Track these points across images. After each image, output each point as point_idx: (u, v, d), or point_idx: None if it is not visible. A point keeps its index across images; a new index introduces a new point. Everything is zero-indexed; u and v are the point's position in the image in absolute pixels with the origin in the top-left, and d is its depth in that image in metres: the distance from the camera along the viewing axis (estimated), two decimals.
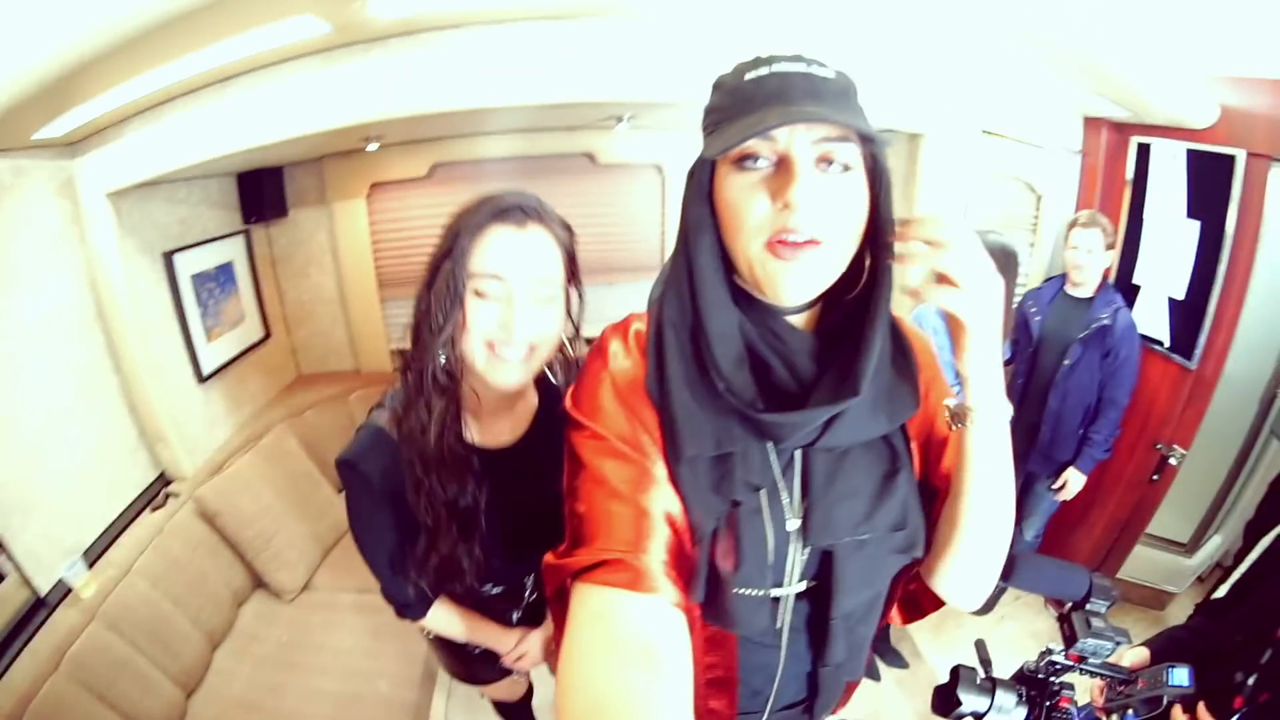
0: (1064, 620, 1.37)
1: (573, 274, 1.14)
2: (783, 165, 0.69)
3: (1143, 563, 2.88)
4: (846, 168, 0.70)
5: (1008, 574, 1.32)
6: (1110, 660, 1.38)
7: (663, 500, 0.76)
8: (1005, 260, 2.37)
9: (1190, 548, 2.88)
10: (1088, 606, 1.34)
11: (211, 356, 2.91)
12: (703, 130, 0.77)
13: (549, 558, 0.78)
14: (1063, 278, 2.68)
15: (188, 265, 2.75)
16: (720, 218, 0.75)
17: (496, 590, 1.39)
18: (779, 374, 0.78)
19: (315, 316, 3.66)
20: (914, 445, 0.90)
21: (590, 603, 0.69)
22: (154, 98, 2.15)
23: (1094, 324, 2.52)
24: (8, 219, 2.02)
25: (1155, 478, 2.63)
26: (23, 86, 1.70)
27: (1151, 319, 2.62)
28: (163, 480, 2.67)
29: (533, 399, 1.31)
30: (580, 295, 1.18)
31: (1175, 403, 2.56)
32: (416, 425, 1.11)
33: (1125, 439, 2.69)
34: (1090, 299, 2.58)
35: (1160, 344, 2.61)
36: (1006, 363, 2.85)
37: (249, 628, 2.66)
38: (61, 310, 2.24)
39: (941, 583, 0.93)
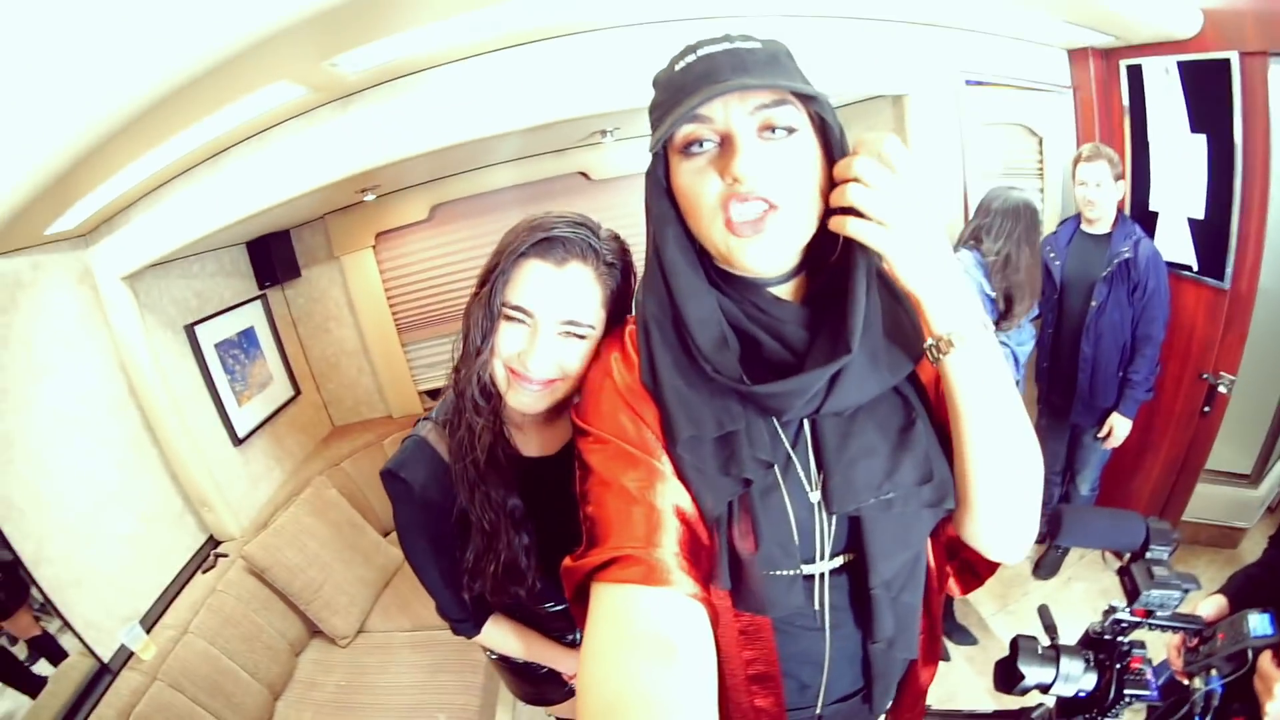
0: (1124, 573, 1.29)
1: (616, 309, 1.08)
2: (726, 142, 0.71)
3: (1207, 500, 2.73)
4: (790, 130, 0.71)
5: (1055, 531, 1.27)
6: (1182, 611, 1.29)
7: (671, 495, 0.77)
8: (1029, 217, 2.31)
9: (1254, 478, 2.72)
10: (1147, 555, 1.26)
11: (245, 419, 3.02)
12: (651, 128, 0.78)
13: (567, 561, 0.78)
14: (1077, 218, 2.59)
15: (210, 335, 2.87)
16: (681, 207, 0.77)
17: (556, 608, 1.39)
18: (770, 347, 0.78)
19: (341, 369, 3.77)
20: (930, 394, 0.88)
21: (606, 600, 0.71)
22: (153, 180, 2.26)
23: (1115, 259, 2.43)
24: (31, 312, 2.14)
25: (1206, 410, 2.49)
26: (31, 185, 1.81)
27: (1175, 244, 2.50)
28: (211, 543, 2.77)
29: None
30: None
31: (1214, 328, 2.43)
32: (465, 435, 1.13)
33: (1168, 373, 2.57)
34: (1108, 234, 2.49)
35: (1188, 269, 2.49)
36: (1036, 317, 2.77)
37: (307, 675, 2.73)
38: (94, 392, 2.36)
39: (976, 537, 0.89)
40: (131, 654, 2.21)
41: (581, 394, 0.90)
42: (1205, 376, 2.48)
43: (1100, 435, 2.64)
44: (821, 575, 0.87)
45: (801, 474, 0.83)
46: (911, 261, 0.70)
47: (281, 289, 3.52)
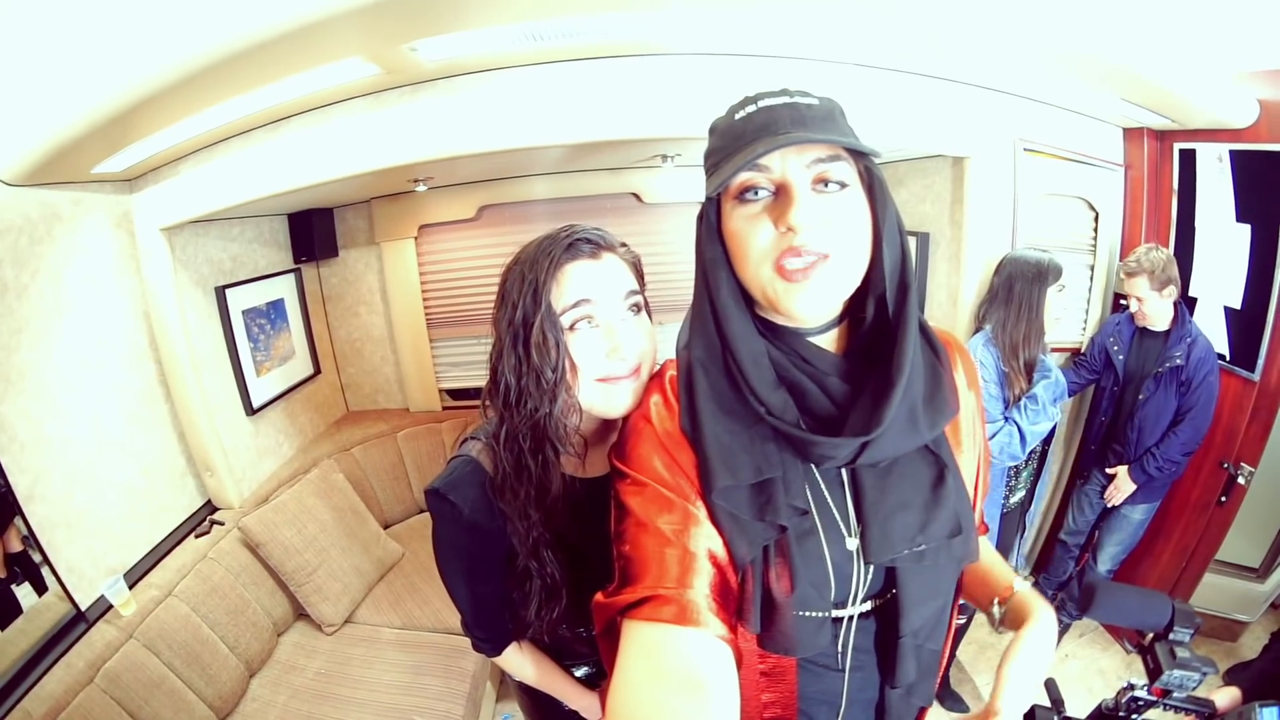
0: (1146, 651, 1.30)
1: (643, 295, 1.13)
2: (781, 192, 0.73)
3: (1213, 591, 2.69)
4: (843, 185, 0.74)
5: (1086, 605, 1.26)
6: (1196, 694, 1.30)
7: (704, 539, 0.78)
8: (1037, 272, 2.31)
9: (1262, 572, 2.68)
10: (1170, 636, 1.27)
11: (261, 390, 3.00)
12: (705, 173, 0.83)
13: (599, 597, 0.80)
14: None
15: (239, 300, 2.86)
16: (730, 251, 0.79)
17: (587, 633, 1.34)
18: (813, 394, 0.80)
19: (364, 355, 3.75)
20: (956, 451, 0.88)
21: (638, 637, 0.72)
22: (209, 137, 2.27)
23: (1168, 362, 2.47)
24: (65, 248, 2.14)
25: (1223, 499, 2.46)
26: (85, 121, 1.82)
27: (1210, 332, 2.49)
28: (209, 508, 2.73)
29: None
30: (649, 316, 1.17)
31: (1240, 418, 2.41)
32: (525, 470, 1.11)
33: (1190, 459, 2.53)
34: (1166, 334, 2.52)
35: (1221, 357, 2.47)
36: (1077, 387, 2.79)
37: (288, 658, 2.66)
38: (114, 338, 2.35)
39: None
40: (110, 607, 2.16)
41: (620, 435, 0.91)
42: (1225, 465, 2.46)
43: (1108, 472, 2.71)
44: (850, 618, 0.88)
45: (840, 521, 0.83)
46: None
47: (317, 266, 3.52)
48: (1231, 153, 2.31)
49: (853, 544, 0.83)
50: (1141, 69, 2.16)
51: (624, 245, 1.13)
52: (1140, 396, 2.55)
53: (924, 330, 0.82)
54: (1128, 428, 2.62)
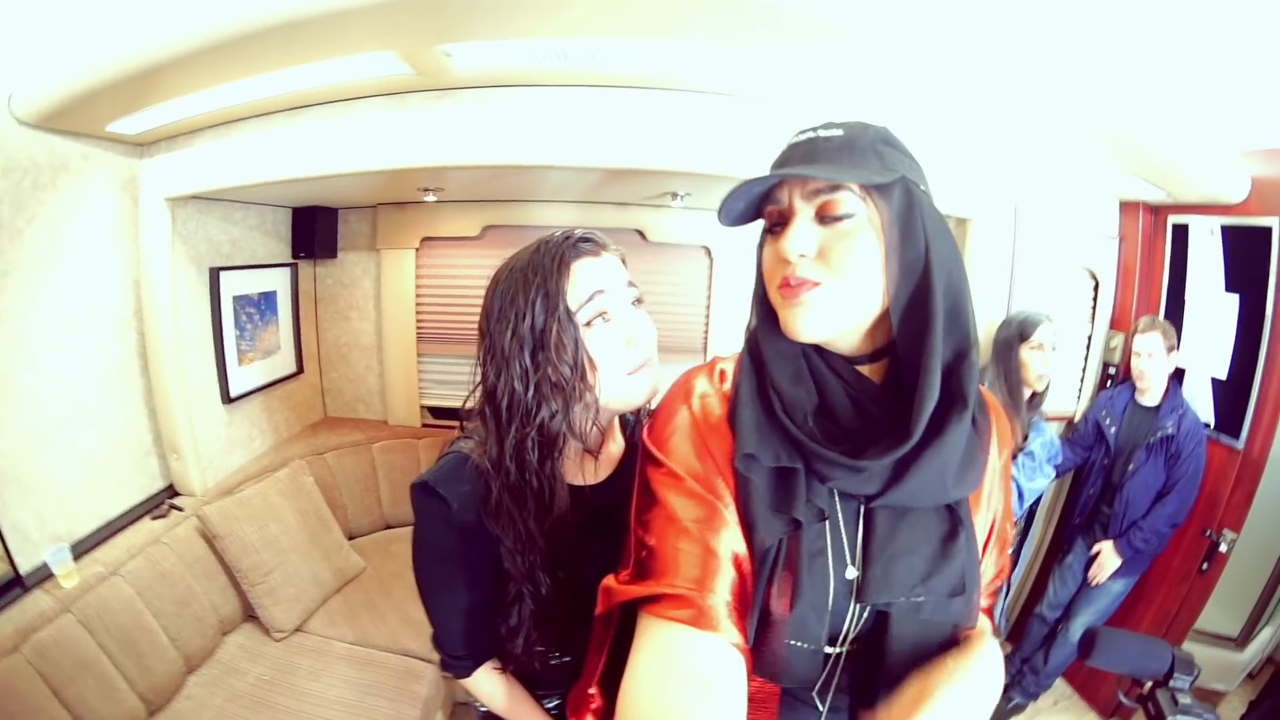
0: (1147, 699, 1.25)
1: None
2: (788, 221, 0.76)
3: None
4: (845, 216, 0.73)
5: (1088, 651, 1.23)
6: None
7: (731, 542, 0.77)
8: (1011, 330, 2.38)
9: (1241, 641, 2.64)
10: (1171, 683, 1.23)
11: (241, 380, 2.93)
12: None
13: (608, 580, 0.81)
14: (1132, 385, 2.66)
15: (232, 285, 2.82)
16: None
17: (560, 660, 1.24)
18: (843, 409, 0.80)
19: (349, 361, 3.69)
20: (974, 511, 0.87)
21: (653, 634, 0.72)
22: (228, 113, 2.28)
23: (1159, 432, 2.50)
24: (67, 200, 2.11)
25: (1205, 567, 2.45)
26: (110, 71, 1.81)
27: (1197, 400, 2.54)
28: (169, 492, 2.62)
29: (620, 440, 1.25)
30: None
31: (1224, 486, 2.44)
32: (528, 487, 1.06)
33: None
34: (1157, 406, 2.58)
35: (1206, 426, 2.50)
36: (1070, 463, 2.81)
37: (230, 659, 2.50)
38: (101, 301, 2.30)
39: None
40: (51, 576, 2.05)
41: (656, 416, 0.87)
42: (1208, 533, 2.46)
43: (1091, 552, 2.69)
44: (838, 655, 0.86)
45: (847, 551, 0.82)
46: None
47: (314, 264, 3.49)
48: (1223, 227, 2.39)
49: (852, 573, 0.81)
50: (1142, 142, 2.24)
51: (614, 245, 1.13)
52: (1130, 467, 2.56)
53: (969, 398, 0.78)
54: (1115, 500, 2.62)
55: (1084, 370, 2.96)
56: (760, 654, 0.79)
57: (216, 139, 2.35)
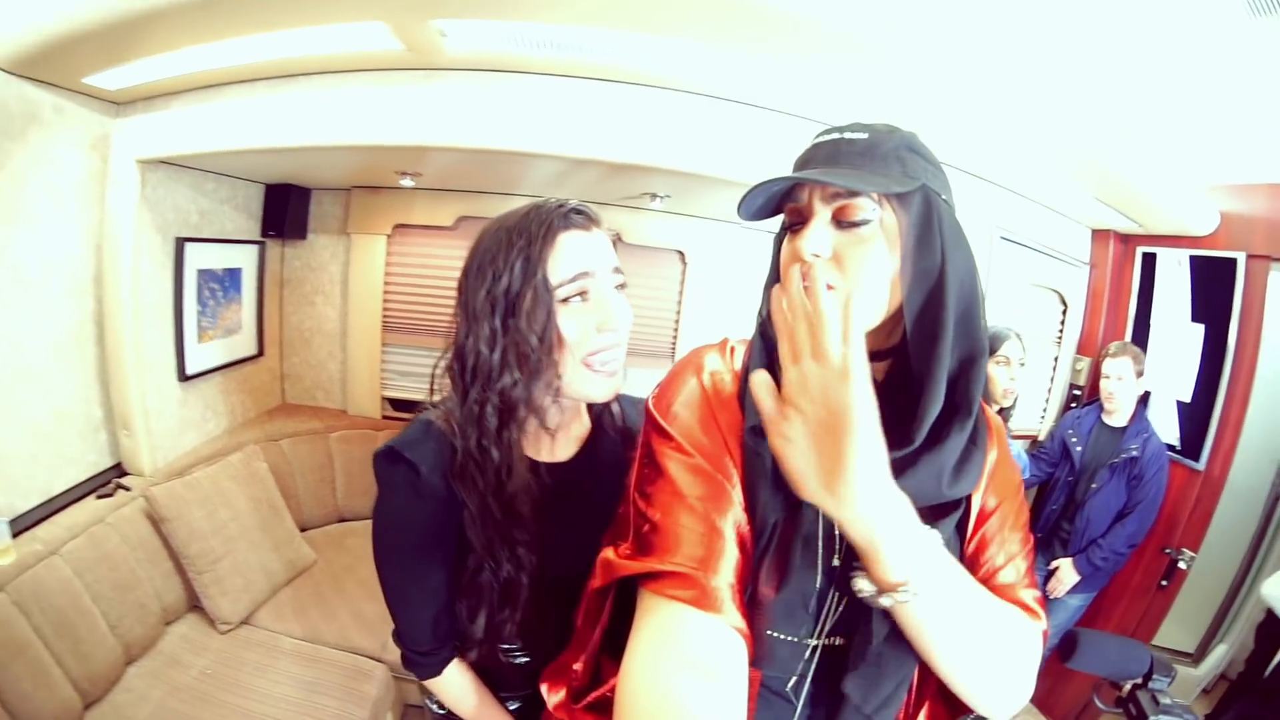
0: (1128, 701, 1.27)
1: None
2: (807, 221, 0.76)
3: None
4: (862, 222, 0.73)
5: (1069, 654, 1.23)
6: None
7: (736, 522, 0.76)
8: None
9: (1196, 657, 2.74)
10: (1151, 685, 1.24)
11: (199, 358, 2.80)
12: None
13: (608, 553, 0.79)
14: (1100, 406, 2.74)
15: (197, 258, 2.70)
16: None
17: (522, 659, 1.17)
18: None
19: (312, 347, 3.56)
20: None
21: (655, 613, 0.71)
22: (211, 76, 2.20)
23: (1124, 453, 2.58)
24: (35, 153, 1.99)
25: (1164, 583, 2.53)
26: (88, 20, 1.73)
27: (1161, 423, 2.63)
28: (117, 470, 2.48)
29: (586, 420, 1.21)
30: None
31: (1184, 505, 2.56)
32: (486, 455, 1.02)
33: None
34: (1124, 428, 2.65)
35: (1171, 447, 2.60)
36: (1035, 479, 2.85)
37: (173, 650, 2.36)
38: (59, 263, 2.17)
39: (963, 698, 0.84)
40: None
41: (665, 386, 0.86)
42: (1167, 551, 2.54)
43: (1049, 567, 2.74)
44: (815, 648, 0.84)
45: (837, 539, 0.81)
46: (839, 501, 0.64)
47: (282, 244, 3.36)
48: (1191, 258, 2.49)
49: (837, 560, 0.80)
50: (1118, 172, 2.33)
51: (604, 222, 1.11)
52: (1093, 485, 2.64)
53: (973, 406, 0.78)
54: (1076, 517, 2.68)
55: (1049, 391, 3.05)
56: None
57: (196, 102, 2.26)
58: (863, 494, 0.62)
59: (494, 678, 1.22)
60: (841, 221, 0.74)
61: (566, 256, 0.98)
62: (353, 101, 2.20)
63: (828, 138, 0.78)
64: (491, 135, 2.20)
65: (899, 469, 0.72)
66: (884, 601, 0.69)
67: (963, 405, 0.74)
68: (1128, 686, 1.31)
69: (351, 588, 2.86)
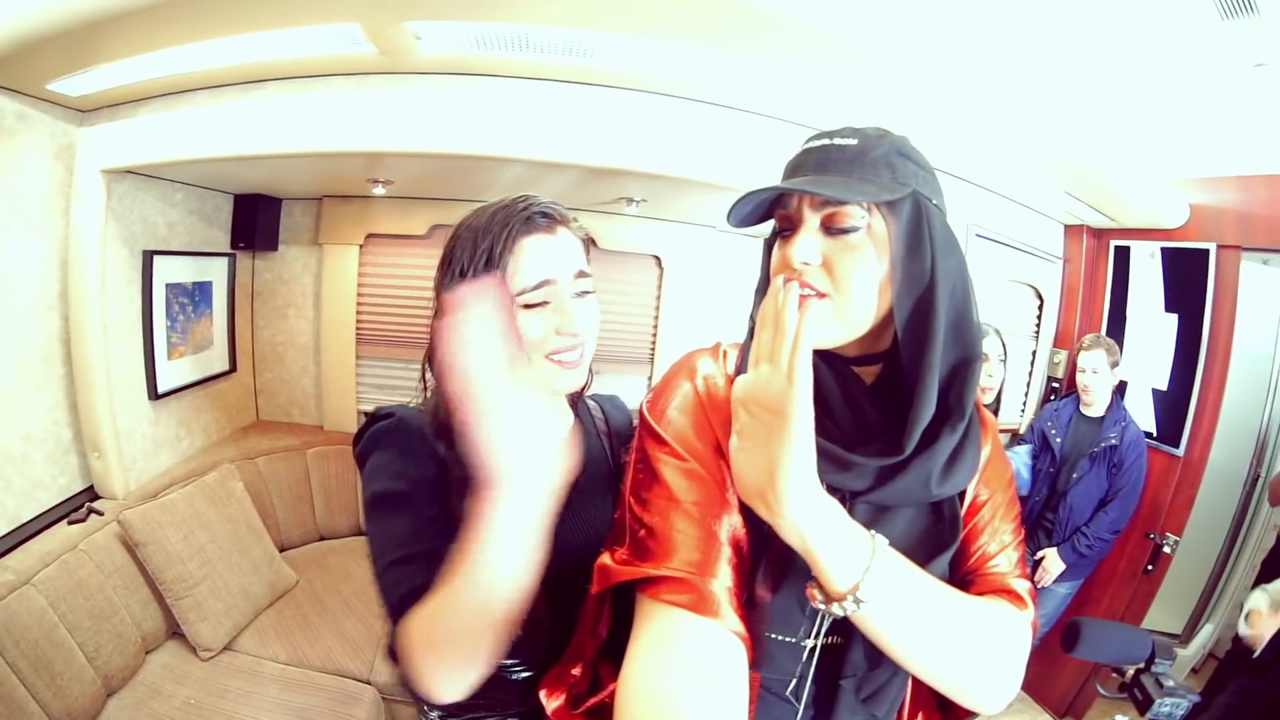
0: (1132, 686, 1.32)
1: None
2: (795, 228, 0.77)
3: None
4: (850, 229, 0.74)
5: (1072, 643, 1.26)
6: None
7: (732, 527, 0.77)
8: None
9: (1184, 639, 2.80)
10: (1154, 669, 1.29)
11: (170, 375, 2.70)
12: None
13: (605, 559, 0.79)
14: (1077, 398, 2.80)
15: (166, 272, 2.60)
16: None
17: (523, 674, 1.08)
18: (839, 408, 0.80)
19: (285, 361, 3.46)
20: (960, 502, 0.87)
21: (653, 619, 0.71)
22: (178, 81, 2.12)
23: (1103, 442, 2.64)
24: None
25: (1150, 568, 2.59)
26: (51, 21, 1.66)
27: (1139, 412, 2.69)
28: (89, 494, 2.38)
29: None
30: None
31: (1166, 491, 2.63)
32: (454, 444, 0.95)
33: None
34: (1101, 418, 2.72)
35: (1149, 435, 2.66)
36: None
37: (154, 680, 2.26)
38: (22, 278, 2.08)
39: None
40: None
41: (659, 390, 0.86)
42: (1151, 536, 2.61)
43: (1035, 557, 2.78)
44: (813, 649, 0.83)
45: None
46: (769, 506, 0.67)
47: (253, 257, 3.27)
48: (1163, 250, 2.55)
49: None
50: (1089, 167, 2.38)
51: (576, 221, 1.09)
52: (1075, 475, 2.69)
53: (966, 411, 0.79)
54: (1060, 506, 2.73)
55: (1028, 384, 3.10)
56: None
57: (163, 109, 2.19)
58: (793, 499, 0.64)
59: (491, 695, 1.16)
60: (830, 228, 0.74)
61: (528, 262, 0.98)
62: (324, 106, 2.16)
63: (817, 143, 0.78)
64: (463, 140, 2.17)
65: (888, 473, 0.74)
66: (835, 611, 0.68)
67: (955, 410, 0.75)
68: (1130, 671, 1.33)
69: (335, 608, 2.78)
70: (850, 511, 0.77)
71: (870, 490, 0.76)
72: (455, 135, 2.17)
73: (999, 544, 0.86)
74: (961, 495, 0.84)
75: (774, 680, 0.83)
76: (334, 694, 2.38)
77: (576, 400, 1.21)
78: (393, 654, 1.02)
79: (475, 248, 0.98)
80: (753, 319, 0.84)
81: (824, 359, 0.80)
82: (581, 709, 0.86)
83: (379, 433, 1.01)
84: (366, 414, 3.43)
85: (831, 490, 0.75)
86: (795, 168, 0.78)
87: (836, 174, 0.74)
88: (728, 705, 0.65)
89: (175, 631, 2.45)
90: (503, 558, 0.72)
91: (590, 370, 1.14)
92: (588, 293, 1.04)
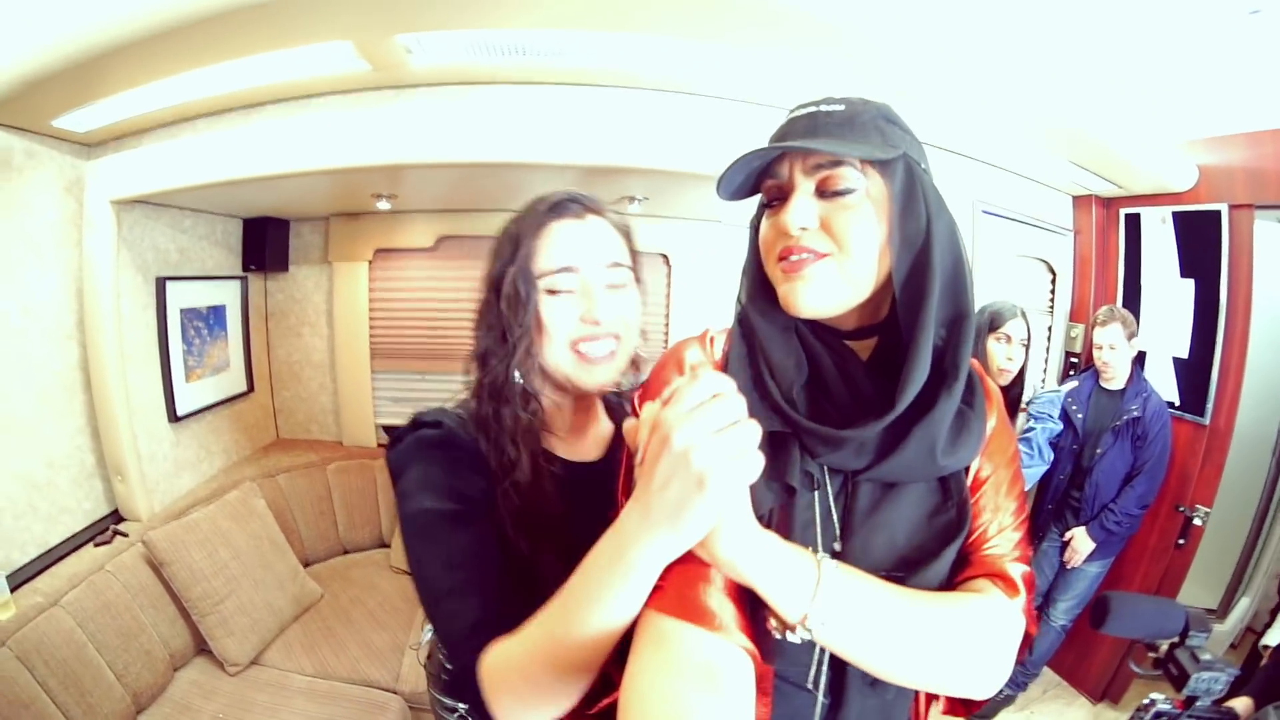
0: (1167, 662, 1.29)
1: (635, 266, 1.07)
2: (788, 196, 0.76)
3: None
4: (846, 191, 0.73)
5: (1101, 619, 1.24)
6: (1220, 702, 1.30)
7: None
8: (983, 319, 2.40)
9: (1221, 612, 2.71)
10: (1189, 642, 1.26)
11: (188, 398, 2.76)
12: None
13: None
14: (1096, 372, 2.74)
15: (180, 297, 2.67)
16: (761, 254, 0.83)
17: None
18: (835, 385, 0.79)
19: (302, 379, 3.53)
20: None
21: (655, 627, 0.69)
22: (179, 111, 2.19)
23: (1125, 415, 2.58)
24: (7, 199, 1.97)
25: (1182, 542, 2.51)
26: (51, 60, 1.72)
27: (1160, 382, 2.62)
28: (114, 517, 2.43)
29: (606, 421, 1.19)
30: (643, 295, 1.10)
31: (1193, 462, 2.54)
32: (504, 443, 0.99)
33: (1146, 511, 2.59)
34: (1122, 390, 2.65)
35: (1172, 405, 2.59)
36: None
37: (182, 696, 2.31)
38: (40, 309, 2.14)
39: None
40: None
41: (648, 385, 0.86)
42: (1181, 509, 2.54)
43: (1064, 539, 2.72)
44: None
45: (837, 524, 0.79)
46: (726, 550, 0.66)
47: (264, 278, 3.35)
48: (1174, 214, 2.49)
49: (840, 546, 0.78)
50: (1092, 134, 2.33)
51: (615, 213, 1.09)
52: (1099, 450, 2.62)
53: (970, 374, 0.80)
54: (1085, 484, 2.67)
55: (1046, 361, 3.04)
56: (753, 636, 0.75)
57: (166, 138, 2.25)
58: (724, 537, 0.64)
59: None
60: (826, 193, 0.73)
61: (551, 247, 0.98)
62: (323, 125, 2.19)
63: (803, 111, 0.77)
64: (461, 149, 2.18)
65: (888, 444, 0.74)
66: (791, 638, 0.68)
67: (950, 371, 0.74)
68: (1164, 646, 1.30)
69: (360, 619, 2.81)
70: (853, 494, 0.78)
71: (872, 466, 0.75)
72: (452, 145, 2.18)
73: (998, 526, 0.84)
74: (966, 470, 0.83)
75: (791, 671, 0.81)
76: (361, 704, 2.41)
77: (615, 402, 1.20)
78: (447, 673, 1.09)
79: (508, 233, 1.00)
80: (739, 302, 0.86)
81: (818, 335, 0.80)
82: (595, 709, 0.82)
83: (425, 443, 0.97)
84: (387, 428, 3.52)
85: (835, 471, 0.78)
86: (781, 136, 0.77)
87: (827, 138, 0.74)
88: (730, 707, 0.64)
89: (202, 648, 2.50)
90: (615, 609, 0.69)
91: (637, 366, 1.12)
92: (622, 285, 1.01)
